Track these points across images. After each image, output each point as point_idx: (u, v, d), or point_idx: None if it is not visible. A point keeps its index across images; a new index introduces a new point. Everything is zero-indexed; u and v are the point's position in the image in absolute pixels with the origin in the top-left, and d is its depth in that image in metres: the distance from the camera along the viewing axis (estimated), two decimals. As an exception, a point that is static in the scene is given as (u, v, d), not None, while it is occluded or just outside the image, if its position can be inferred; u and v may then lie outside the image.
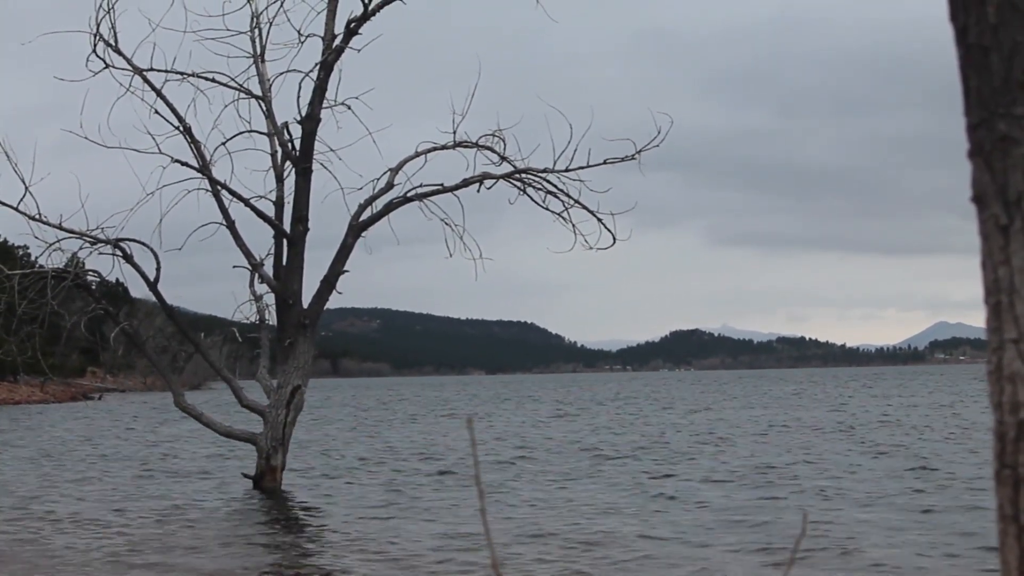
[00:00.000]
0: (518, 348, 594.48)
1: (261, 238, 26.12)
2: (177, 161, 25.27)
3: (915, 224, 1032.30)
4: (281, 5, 25.84)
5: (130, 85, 25.29)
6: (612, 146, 25.25)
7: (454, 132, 25.59)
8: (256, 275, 26.10)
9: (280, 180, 25.97)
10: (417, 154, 25.96)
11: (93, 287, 26.49)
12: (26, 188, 24.84)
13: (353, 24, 25.35)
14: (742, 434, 44.98)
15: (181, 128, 25.42)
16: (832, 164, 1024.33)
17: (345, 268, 25.75)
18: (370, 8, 25.23)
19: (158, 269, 25.91)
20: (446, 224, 25.75)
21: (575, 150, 24.71)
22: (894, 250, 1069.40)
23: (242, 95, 25.95)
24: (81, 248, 25.77)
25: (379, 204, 25.81)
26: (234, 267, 26.29)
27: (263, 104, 26.05)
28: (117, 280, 27.82)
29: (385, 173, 25.93)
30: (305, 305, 25.48)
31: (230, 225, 25.80)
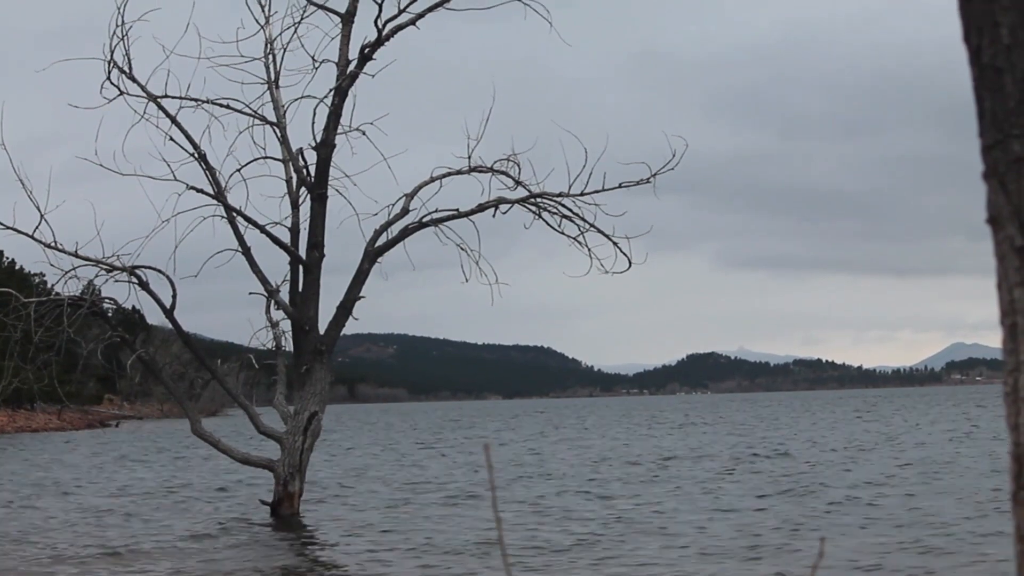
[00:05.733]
0: (535, 373, 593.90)
1: (277, 264, 26.16)
2: (192, 188, 25.30)
3: (925, 245, 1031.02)
4: (295, 31, 25.93)
5: (144, 112, 25.37)
6: (623, 169, 25.25)
7: (469, 157, 25.64)
8: (272, 301, 26.12)
9: (295, 206, 25.99)
10: (432, 179, 25.98)
11: (109, 314, 26.52)
12: (41, 215, 24.90)
13: (367, 50, 25.40)
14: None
15: (196, 155, 25.46)
16: (838, 186, 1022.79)
17: (361, 294, 25.78)
18: (384, 34, 25.29)
19: (174, 296, 25.93)
20: (462, 249, 25.77)
21: (590, 174, 24.74)
22: (905, 271, 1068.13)
23: (257, 121, 26.01)
24: (97, 276, 25.81)
25: (394, 230, 25.85)
26: (250, 294, 26.31)
27: (278, 130, 26.10)
28: (133, 307, 27.93)
29: (400, 199, 25.97)
30: (321, 331, 25.48)
31: (246, 252, 25.81)
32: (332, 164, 25.51)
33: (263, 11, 26.10)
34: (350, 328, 26.10)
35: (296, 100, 26.12)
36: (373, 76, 25.63)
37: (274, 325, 26.43)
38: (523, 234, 27.57)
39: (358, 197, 26.15)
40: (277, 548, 22.25)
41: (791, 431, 70.82)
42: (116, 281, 25.72)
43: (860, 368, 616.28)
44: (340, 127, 25.48)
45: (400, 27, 25.29)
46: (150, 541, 23.24)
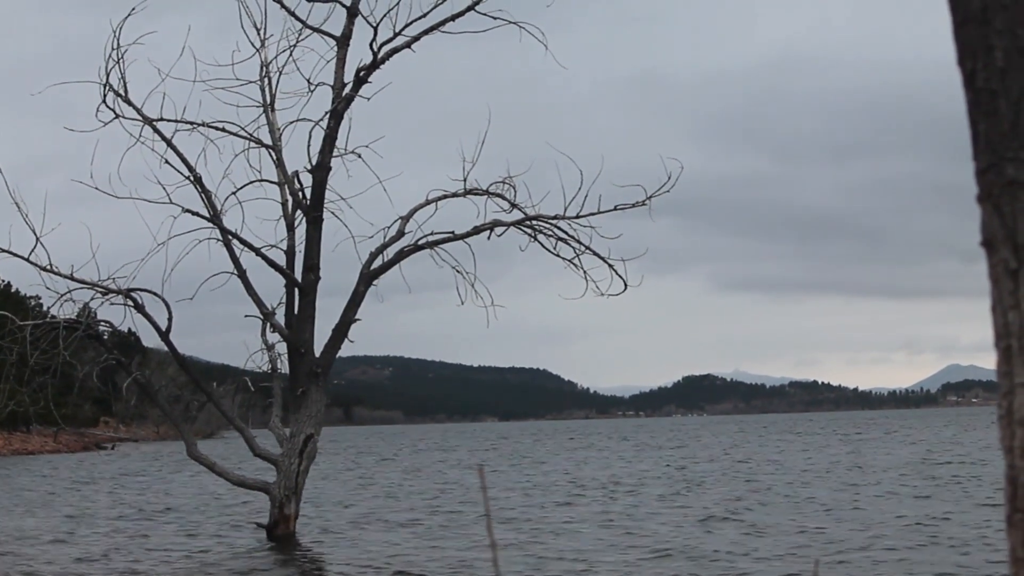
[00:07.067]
0: (531, 395, 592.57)
1: (273, 287, 26.12)
2: (188, 211, 25.29)
3: (919, 267, 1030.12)
4: (290, 54, 25.97)
5: (140, 135, 25.36)
6: (618, 191, 25.23)
7: (464, 179, 25.64)
8: (268, 324, 26.08)
9: (291, 229, 25.98)
10: (428, 202, 25.98)
11: (105, 337, 26.48)
12: (37, 239, 24.88)
13: (362, 73, 25.43)
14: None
15: (191, 178, 25.46)
16: (833, 208, 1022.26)
17: (357, 316, 25.74)
18: (379, 57, 25.31)
19: (170, 319, 25.90)
20: (457, 272, 25.74)
21: (585, 196, 24.73)
22: (900, 294, 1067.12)
23: (252, 144, 26.03)
24: (93, 298, 25.78)
25: (390, 252, 25.82)
26: (246, 316, 26.28)
27: (273, 153, 26.10)
28: (129, 330, 27.78)
29: (396, 221, 25.97)
30: (317, 354, 25.45)
31: (241, 274, 25.78)
32: (328, 187, 25.52)
33: (258, 34, 26.15)
34: (346, 350, 26.07)
35: (292, 123, 26.19)
36: (369, 99, 25.70)
37: (270, 348, 26.40)
38: (519, 256, 27.53)
39: (354, 220, 26.22)
40: (272, 571, 22.19)
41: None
42: (112, 304, 25.74)
43: (856, 390, 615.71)
44: (336, 150, 25.51)
45: (395, 50, 25.33)
46: (145, 564, 23.18)
